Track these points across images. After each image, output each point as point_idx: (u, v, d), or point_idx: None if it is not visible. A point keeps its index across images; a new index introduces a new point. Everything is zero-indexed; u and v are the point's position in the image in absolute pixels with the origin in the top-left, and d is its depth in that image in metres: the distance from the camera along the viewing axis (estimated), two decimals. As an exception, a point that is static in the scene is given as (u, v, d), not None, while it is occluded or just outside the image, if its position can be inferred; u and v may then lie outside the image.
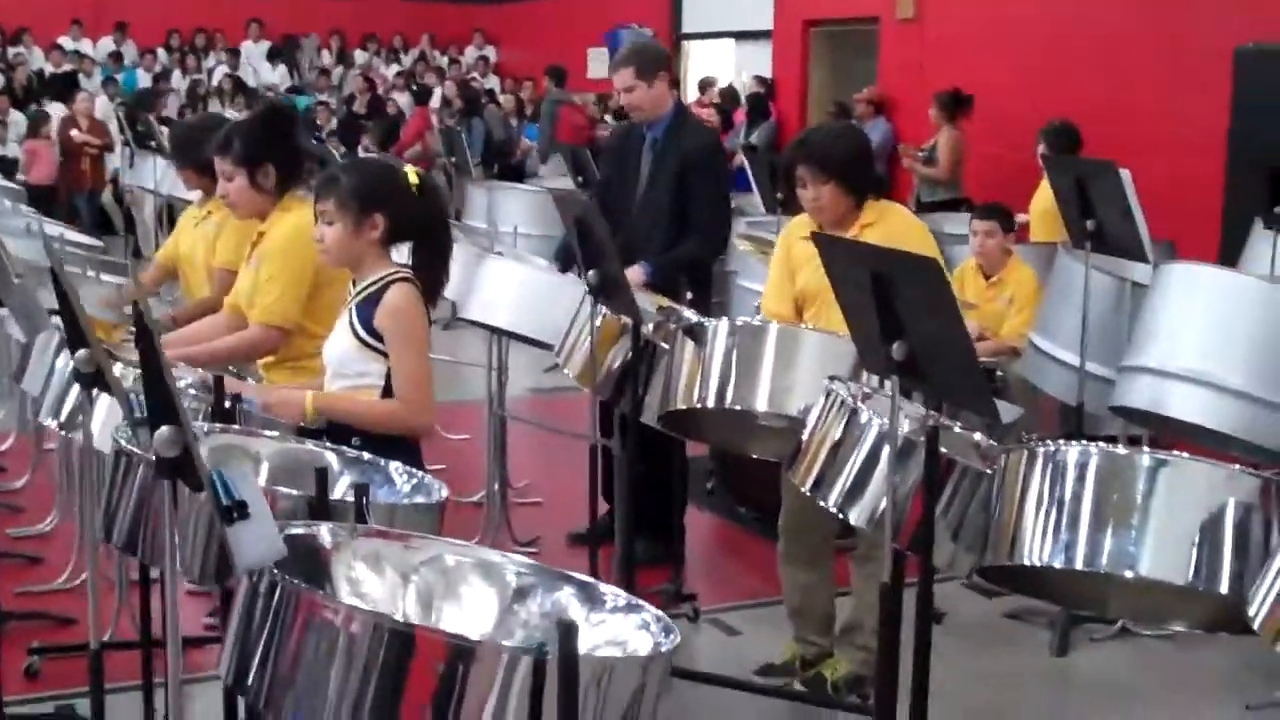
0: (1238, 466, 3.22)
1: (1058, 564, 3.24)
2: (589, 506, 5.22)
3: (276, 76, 20.67)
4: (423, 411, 3.81)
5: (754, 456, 4.83)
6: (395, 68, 21.29)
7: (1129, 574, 3.16)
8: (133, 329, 4.76)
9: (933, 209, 10.70)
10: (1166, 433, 5.21)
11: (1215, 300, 4.92)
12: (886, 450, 3.58)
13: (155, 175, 11.67)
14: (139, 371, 3.79)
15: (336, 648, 2.23)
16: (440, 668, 2.21)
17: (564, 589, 2.64)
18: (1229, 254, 7.65)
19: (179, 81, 19.55)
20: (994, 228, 6.86)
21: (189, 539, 3.01)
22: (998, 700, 5.06)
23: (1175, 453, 3.24)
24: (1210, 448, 4.79)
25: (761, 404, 4.34)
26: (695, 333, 4.47)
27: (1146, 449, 3.25)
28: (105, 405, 3.78)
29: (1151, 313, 5.07)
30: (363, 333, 3.81)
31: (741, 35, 17.24)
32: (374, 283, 3.84)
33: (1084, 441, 3.32)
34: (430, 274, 3.93)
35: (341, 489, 3.26)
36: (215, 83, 19.39)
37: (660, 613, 2.51)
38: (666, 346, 4.77)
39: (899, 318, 3.27)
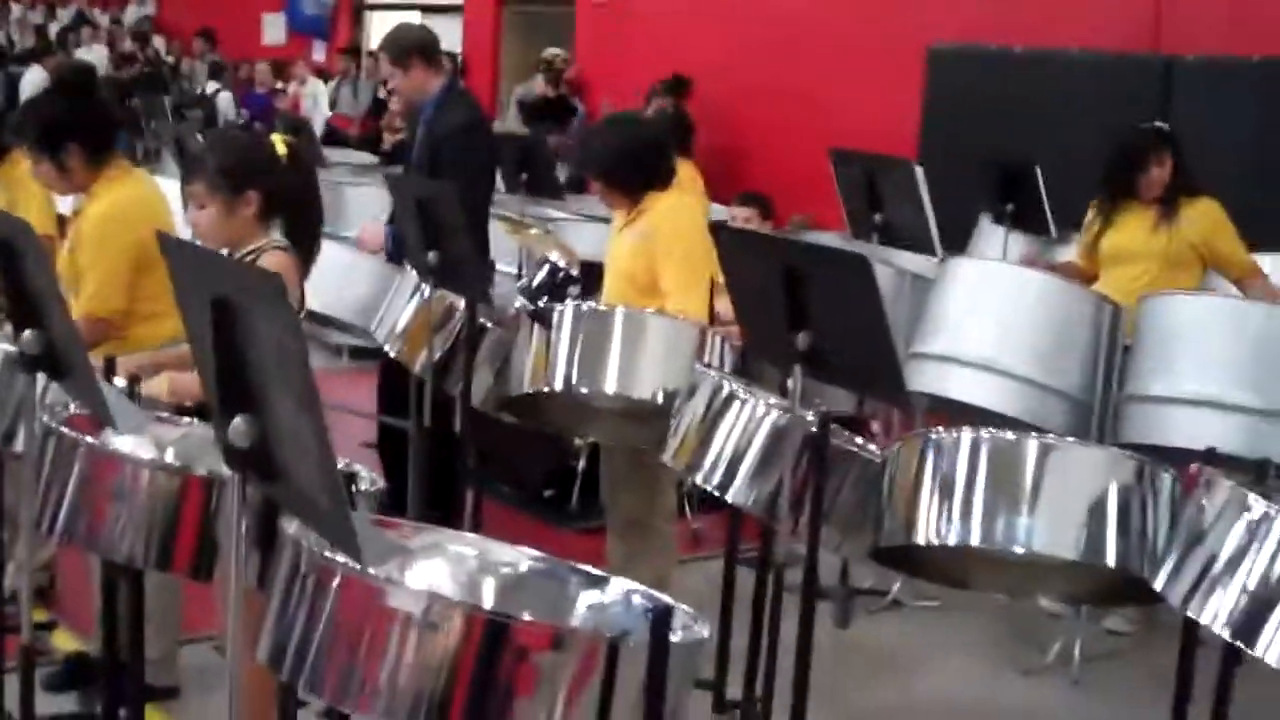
0: (1116, 449, 3.51)
1: (952, 542, 3.44)
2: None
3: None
4: None
5: (592, 440, 4.90)
6: (54, 25, 20.22)
7: (1020, 550, 3.38)
8: None
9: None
10: (948, 416, 5.51)
11: (999, 292, 5.25)
12: (764, 434, 3.76)
13: None
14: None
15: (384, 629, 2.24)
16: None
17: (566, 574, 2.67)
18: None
19: None
20: (753, 214, 7.08)
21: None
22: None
23: (1062, 438, 3.48)
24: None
25: (610, 387, 4.42)
26: (542, 316, 4.51)
27: (1034, 435, 3.48)
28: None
29: (939, 303, 5.35)
30: None
31: (429, 9, 16.80)
32: (249, 253, 3.73)
33: (975, 428, 3.52)
34: (304, 245, 3.85)
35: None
36: None
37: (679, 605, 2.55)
38: (493, 327, 4.83)
39: (806, 309, 3.42)
